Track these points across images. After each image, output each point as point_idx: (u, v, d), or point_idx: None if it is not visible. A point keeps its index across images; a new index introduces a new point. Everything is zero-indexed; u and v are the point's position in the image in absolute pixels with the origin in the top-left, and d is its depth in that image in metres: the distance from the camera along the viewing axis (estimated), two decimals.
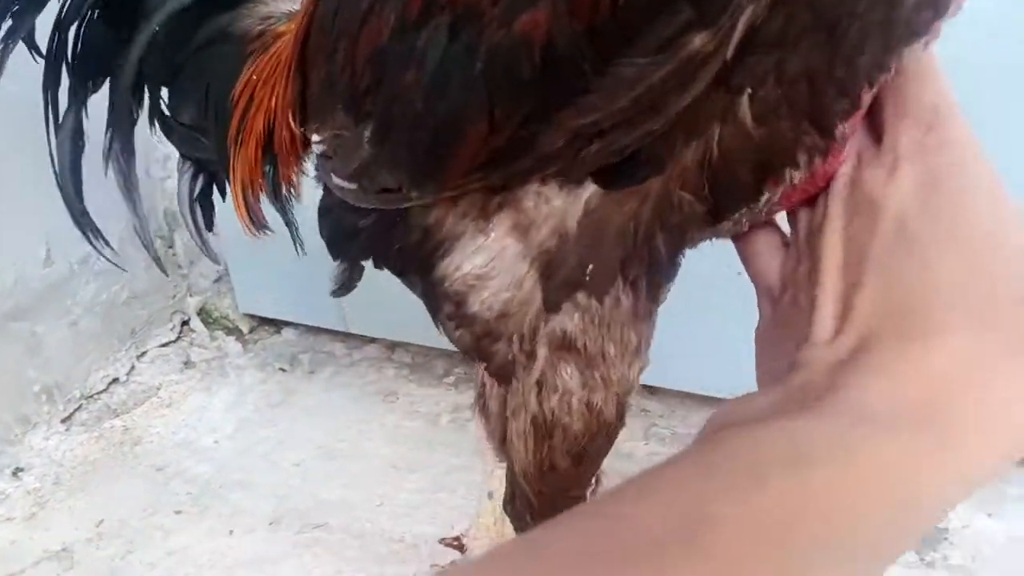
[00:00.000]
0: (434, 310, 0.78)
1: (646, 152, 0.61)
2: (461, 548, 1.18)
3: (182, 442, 1.52)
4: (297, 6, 0.93)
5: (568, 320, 0.70)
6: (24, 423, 1.51)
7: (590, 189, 0.65)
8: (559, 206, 0.66)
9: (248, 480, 1.43)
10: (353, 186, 0.75)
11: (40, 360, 1.52)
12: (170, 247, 1.74)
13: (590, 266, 0.67)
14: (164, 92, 1.01)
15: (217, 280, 1.78)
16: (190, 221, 1.08)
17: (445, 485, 1.40)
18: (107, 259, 1.15)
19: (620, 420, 0.75)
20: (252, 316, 1.79)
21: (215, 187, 1.08)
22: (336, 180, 0.77)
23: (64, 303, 1.54)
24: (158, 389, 1.65)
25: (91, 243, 1.09)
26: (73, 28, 0.99)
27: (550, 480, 0.78)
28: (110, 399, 1.62)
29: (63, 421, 1.56)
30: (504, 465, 1.03)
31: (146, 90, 1.01)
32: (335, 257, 0.88)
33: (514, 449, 0.78)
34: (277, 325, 1.79)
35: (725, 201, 0.64)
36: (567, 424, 0.73)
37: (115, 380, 1.65)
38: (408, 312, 0.86)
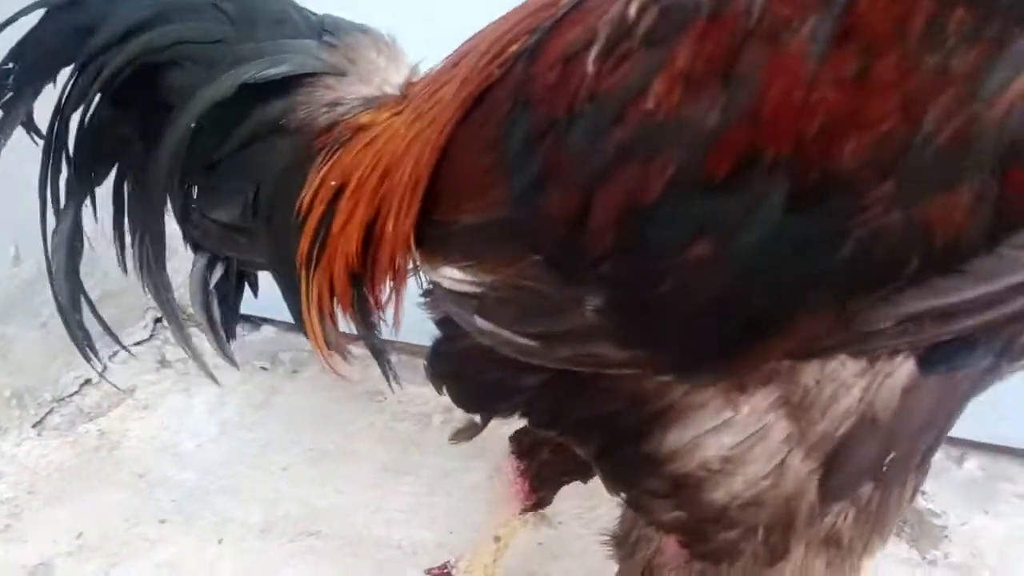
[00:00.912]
0: (626, 484, 0.66)
1: (986, 334, 0.52)
2: None
3: (163, 447, 1.46)
4: (374, 90, 0.78)
5: (841, 517, 0.61)
6: None
7: (905, 369, 0.55)
8: (859, 386, 0.56)
9: (235, 486, 1.38)
10: (529, 342, 0.62)
11: (9, 364, 1.45)
12: None
13: (892, 454, 0.58)
14: (190, 185, 0.87)
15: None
16: (205, 317, 0.96)
17: (440, 489, 1.37)
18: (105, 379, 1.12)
19: None
20: None
21: (238, 279, 0.97)
22: (486, 326, 0.64)
23: (33, 303, 1.47)
24: (133, 391, 1.58)
25: (87, 360, 0.99)
26: (76, 116, 0.87)
27: None
28: (83, 402, 1.55)
29: (34, 426, 1.49)
30: (521, 519, 0.99)
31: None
32: (468, 411, 0.77)
33: None
34: (255, 322, 1.73)
35: None
36: None
37: (87, 382, 1.58)
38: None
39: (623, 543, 0.74)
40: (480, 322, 0.65)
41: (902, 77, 0.44)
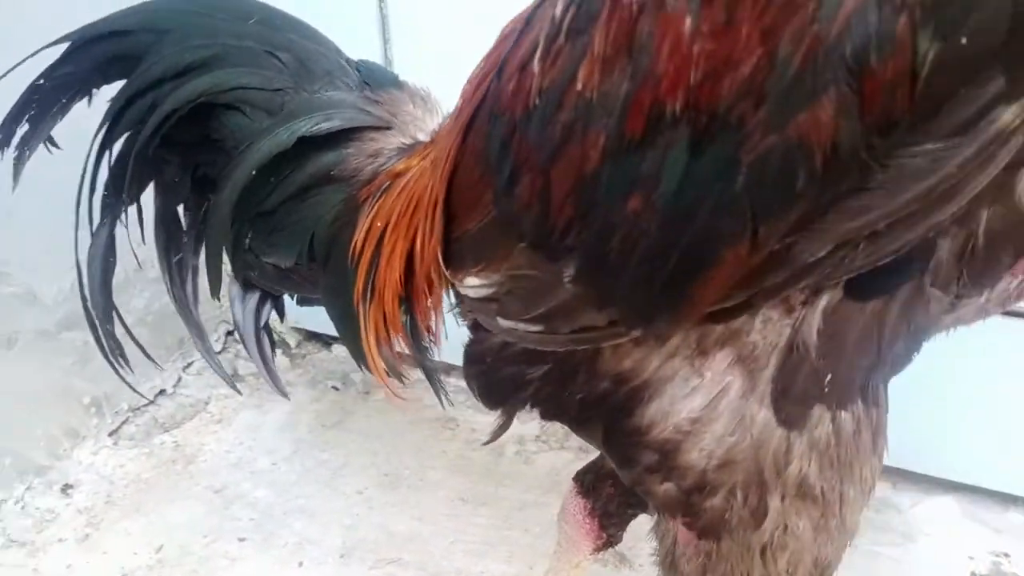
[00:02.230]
0: (627, 462, 0.71)
1: (904, 254, 0.55)
2: None
3: (238, 462, 1.47)
4: (408, 139, 0.86)
5: (805, 462, 0.65)
6: (72, 436, 1.44)
7: (825, 296, 0.61)
8: (789, 323, 0.62)
9: (311, 507, 1.38)
10: (536, 328, 0.69)
11: (90, 371, 1.45)
12: None
13: (828, 375, 0.63)
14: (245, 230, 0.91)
15: None
16: (256, 352, 1.01)
17: (517, 522, 1.36)
18: (133, 388, 1.12)
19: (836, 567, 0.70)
20: (299, 330, 1.74)
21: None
22: (506, 323, 0.71)
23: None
24: (207, 403, 1.59)
25: (114, 369, 1.01)
26: (123, 142, 0.91)
27: None
28: (157, 412, 1.56)
29: (111, 435, 1.49)
30: (591, 558, 0.98)
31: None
32: (491, 408, 0.81)
33: None
34: (325, 341, 1.74)
35: (976, 287, 0.61)
36: None
37: (162, 392, 1.58)
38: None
39: (659, 549, 0.79)
40: (502, 322, 0.72)
41: (759, 15, 0.50)
